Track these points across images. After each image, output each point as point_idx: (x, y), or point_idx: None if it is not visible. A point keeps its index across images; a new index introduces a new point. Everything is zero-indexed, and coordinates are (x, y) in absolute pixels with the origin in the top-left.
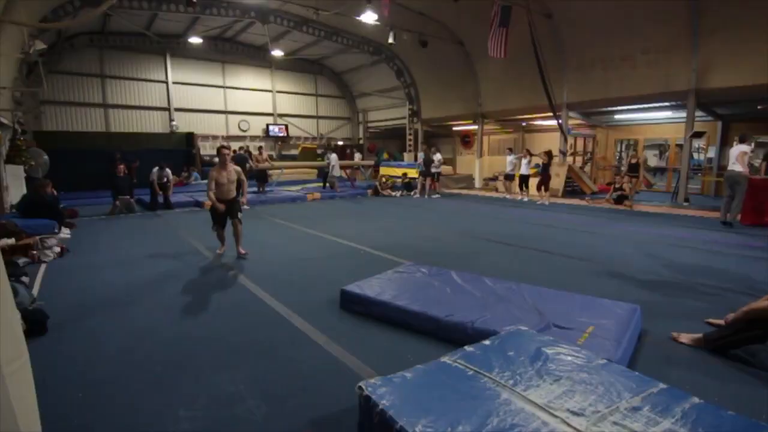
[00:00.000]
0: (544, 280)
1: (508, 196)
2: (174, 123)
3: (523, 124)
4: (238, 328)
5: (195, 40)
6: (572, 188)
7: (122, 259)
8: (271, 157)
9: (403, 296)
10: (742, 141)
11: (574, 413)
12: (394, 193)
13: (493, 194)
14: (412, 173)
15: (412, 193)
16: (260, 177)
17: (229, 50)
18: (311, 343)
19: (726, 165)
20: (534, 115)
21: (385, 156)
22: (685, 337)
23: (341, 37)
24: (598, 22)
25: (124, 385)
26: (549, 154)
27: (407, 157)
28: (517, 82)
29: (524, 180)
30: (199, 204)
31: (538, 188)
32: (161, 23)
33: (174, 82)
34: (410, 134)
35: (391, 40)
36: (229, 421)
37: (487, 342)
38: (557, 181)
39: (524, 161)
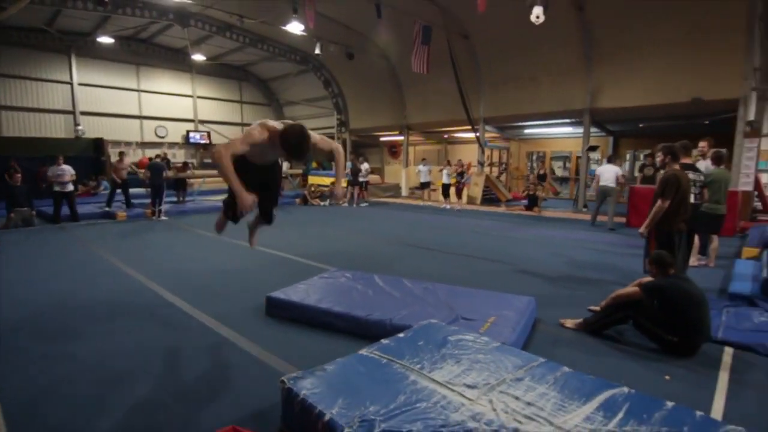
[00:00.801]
0: (460, 279)
1: (431, 204)
2: (80, 127)
3: (445, 136)
4: (163, 341)
5: (105, 39)
6: (489, 196)
7: (24, 280)
8: (192, 165)
9: (328, 300)
10: (609, 161)
11: (469, 386)
12: (322, 203)
13: (419, 203)
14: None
15: (340, 202)
16: (179, 186)
17: (145, 52)
18: (237, 349)
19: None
20: (455, 128)
21: (314, 165)
22: (570, 323)
23: (267, 44)
24: (509, 45)
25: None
26: (459, 164)
27: None
28: (439, 96)
29: (446, 189)
30: (111, 215)
31: (458, 196)
32: (66, 20)
33: (80, 84)
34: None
35: (318, 51)
36: (151, 429)
37: (401, 335)
38: (476, 190)
39: (445, 171)
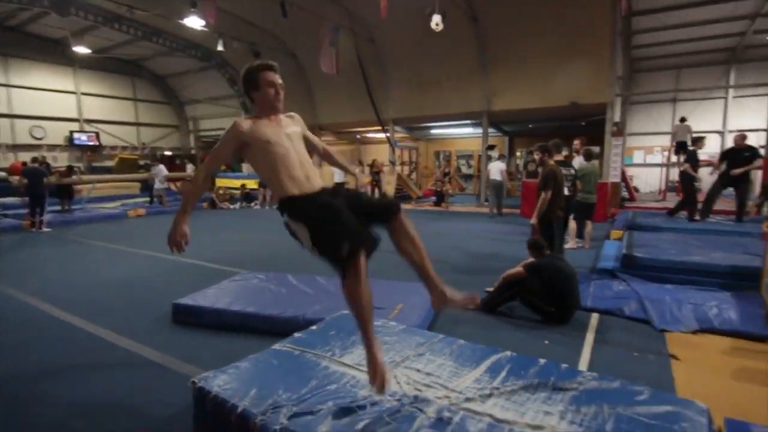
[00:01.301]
0: (373, 273)
1: None
2: None
3: (358, 136)
4: (61, 362)
5: None
6: (402, 194)
7: None
8: (78, 170)
9: (239, 302)
10: (499, 159)
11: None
12: (232, 206)
13: None
14: (252, 184)
15: (252, 204)
16: (63, 193)
17: (15, 42)
18: (143, 360)
19: (511, 171)
20: (367, 128)
21: (222, 167)
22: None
23: (163, 38)
24: (413, 49)
25: None
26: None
27: (246, 167)
28: (349, 96)
29: None
30: None
31: (372, 193)
32: None
33: None
34: None
35: (220, 48)
36: None
37: (313, 327)
38: (389, 188)
39: (357, 171)
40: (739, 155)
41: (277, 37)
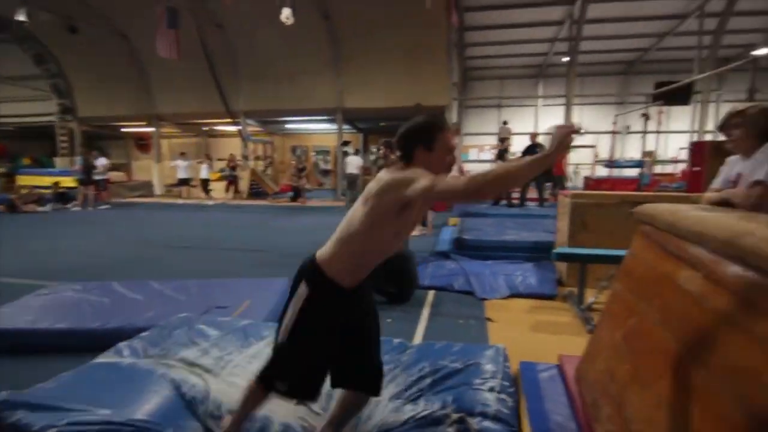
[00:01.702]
0: (221, 273)
1: (192, 202)
2: None
3: (205, 128)
4: None
5: None
6: (257, 190)
7: None
8: None
9: (47, 318)
10: (355, 153)
11: (206, 370)
12: (41, 208)
13: (177, 201)
14: (68, 182)
15: (69, 205)
16: None
17: None
18: None
19: (367, 167)
20: (215, 120)
21: (26, 162)
22: None
23: None
24: (265, 40)
25: None
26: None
27: (60, 162)
28: (194, 85)
29: (206, 184)
30: None
31: (227, 190)
32: None
33: None
34: (63, 135)
35: (22, 18)
36: None
37: (145, 333)
38: (242, 184)
39: (204, 166)
40: (533, 150)
41: (102, 13)
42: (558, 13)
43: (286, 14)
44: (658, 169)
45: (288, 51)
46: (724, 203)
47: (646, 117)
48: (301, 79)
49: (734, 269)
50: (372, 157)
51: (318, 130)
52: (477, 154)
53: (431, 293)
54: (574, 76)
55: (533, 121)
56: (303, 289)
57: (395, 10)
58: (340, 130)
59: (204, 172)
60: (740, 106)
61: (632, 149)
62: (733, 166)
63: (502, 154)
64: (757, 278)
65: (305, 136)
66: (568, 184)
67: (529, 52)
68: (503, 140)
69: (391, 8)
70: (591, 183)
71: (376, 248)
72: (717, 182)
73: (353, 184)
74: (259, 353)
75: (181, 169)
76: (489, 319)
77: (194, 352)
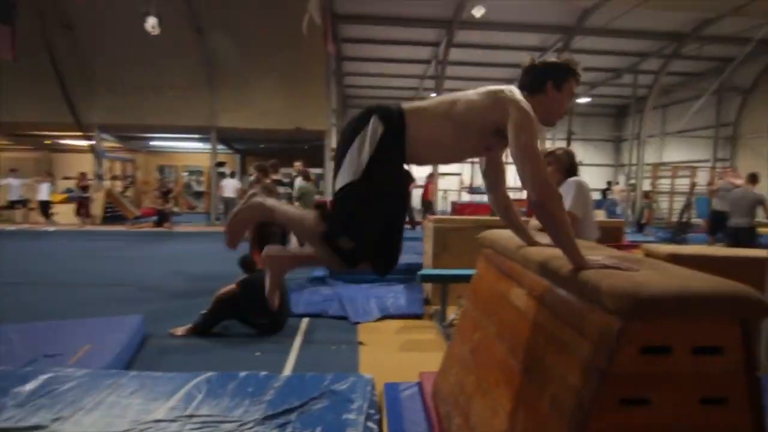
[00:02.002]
0: (59, 313)
1: (28, 227)
2: None
3: (47, 141)
4: None
5: None
6: (114, 213)
7: None
8: None
9: None
10: (232, 176)
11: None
12: None
13: (9, 227)
14: None
15: None
16: None
17: None
18: None
19: (245, 189)
20: (61, 133)
21: None
22: (180, 330)
23: None
24: (127, 49)
25: None
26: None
27: None
28: (36, 92)
29: (46, 206)
30: None
31: (77, 213)
32: None
33: None
34: None
35: None
36: None
37: None
38: (95, 207)
39: (44, 185)
40: None
41: None
42: (426, 53)
43: (151, 23)
44: (515, 195)
45: (154, 62)
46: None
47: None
48: (170, 94)
49: (547, 286)
50: (251, 179)
51: (190, 149)
52: None
53: (305, 321)
54: None
55: None
56: (378, 126)
57: (274, 32)
58: (215, 150)
59: (44, 193)
60: (551, 147)
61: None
62: None
63: None
64: (563, 294)
65: (175, 154)
66: (438, 208)
67: (402, 86)
68: None
69: (269, 30)
70: (457, 207)
71: (444, 143)
72: None
73: (230, 208)
74: (96, 407)
75: (14, 188)
76: (361, 343)
77: (9, 415)
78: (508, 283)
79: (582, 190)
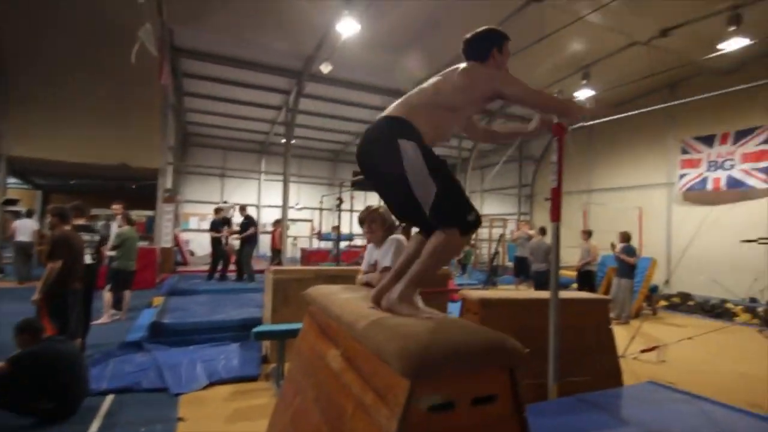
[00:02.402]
0: None
1: None
2: None
3: None
4: None
5: None
6: None
7: None
8: None
9: None
10: (28, 215)
11: None
12: None
13: None
14: None
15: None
16: None
17: None
18: None
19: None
20: None
21: None
22: None
23: None
24: None
25: None
26: None
27: None
28: None
29: None
30: None
31: None
32: None
33: None
34: None
35: None
36: None
37: None
38: None
39: None
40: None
41: None
42: (277, 99)
43: None
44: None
45: None
46: (369, 285)
47: (339, 200)
48: None
49: (357, 348)
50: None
51: None
52: (198, 223)
53: (108, 399)
54: (289, 157)
55: (256, 193)
56: (407, 144)
57: (99, 53)
58: (4, 184)
59: None
60: (374, 205)
61: (346, 224)
62: (371, 252)
63: (215, 223)
64: (368, 355)
65: None
66: (288, 255)
67: (252, 129)
68: (218, 210)
69: (87, 52)
70: (307, 254)
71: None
72: (364, 265)
73: (25, 256)
74: None
75: None
76: (180, 419)
77: None
78: (326, 342)
79: (401, 246)
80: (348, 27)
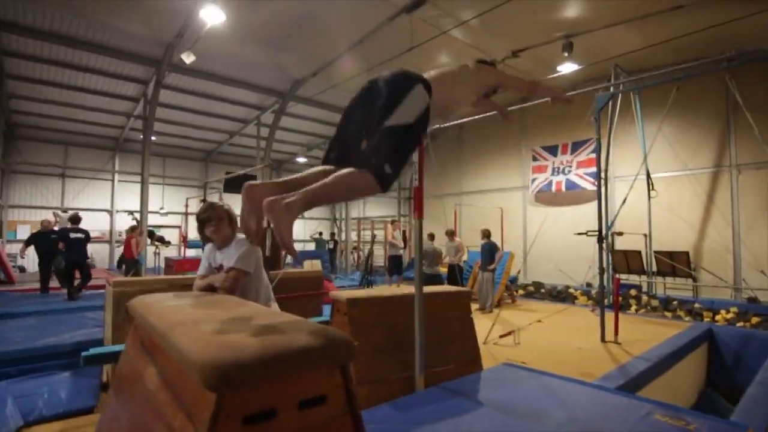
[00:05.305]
0: None
1: None
2: None
3: None
4: None
5: None
6: None
7: None
8: None
9: None
10: None
11: None
12: None
13: None
14: None
15: None
16: None
17: None
18: None
19: None
20: None
21: None
22: None
23: None
24: None
25: None
26: None
27: None
28: None
29: None
30: None
31: None
32: None
33: None
34: None
35: None
36: None
37: None
38: None
39: None
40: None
41: None
42: (133, 90)
43: None
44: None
45: None
46: (210, 288)
47: (203, 201)
48: None
49: (173, 362)
50: None
51: None
52: (29, 232)
53: None
54: (148, 155)
55: (109, 196)
56: (424, 94)
57: None
58: None
59: None
60: (215, 200)
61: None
62: (211, 254)
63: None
64: (179, 369)
65: None
66: (149, 266)
67: (104, 122)
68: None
69: None
70: (172, 263)
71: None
72: (202, 269)
73: None
74: None
75: None
76: None
77: None
78: (145, 359)
79: (252, 248)
80: (212, 15)
